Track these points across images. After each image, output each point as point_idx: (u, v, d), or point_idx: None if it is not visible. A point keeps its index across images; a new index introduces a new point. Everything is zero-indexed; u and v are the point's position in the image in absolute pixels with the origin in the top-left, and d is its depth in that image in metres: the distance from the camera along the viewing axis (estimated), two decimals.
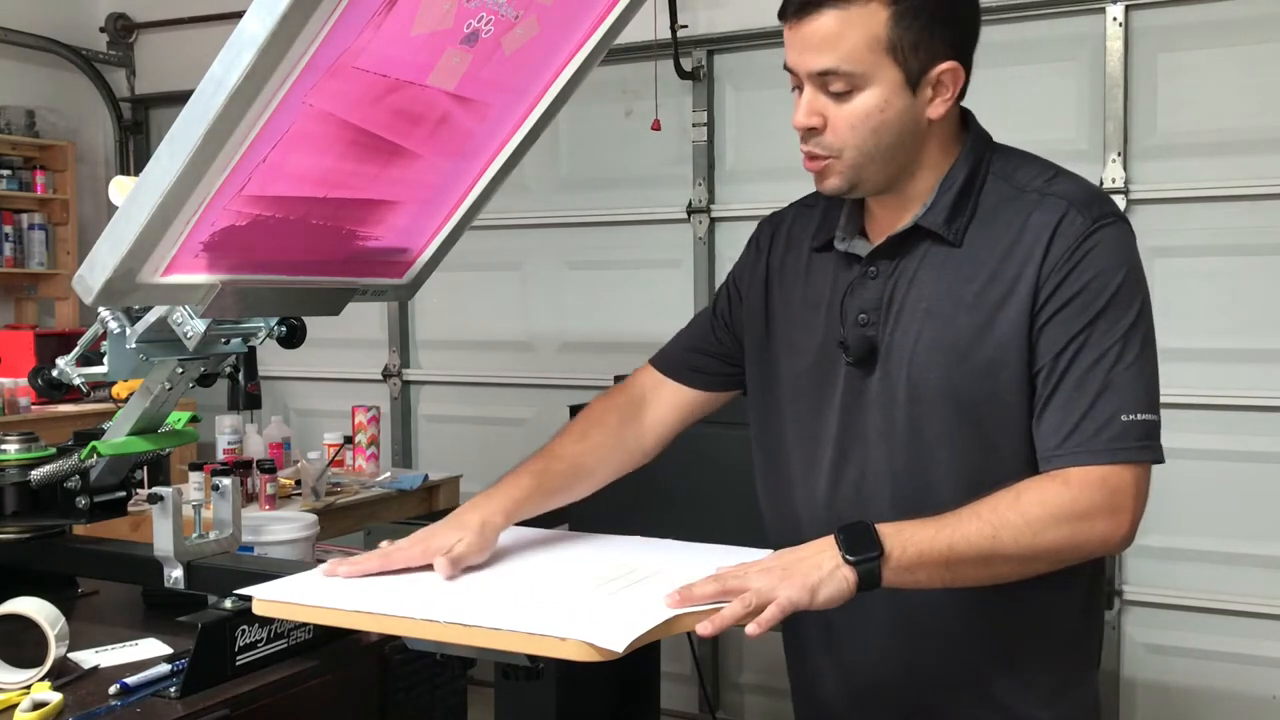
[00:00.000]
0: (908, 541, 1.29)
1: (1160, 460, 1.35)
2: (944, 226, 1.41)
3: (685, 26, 3.96)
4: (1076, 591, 1.47)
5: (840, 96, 1.36)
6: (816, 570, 1.28)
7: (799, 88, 1.40)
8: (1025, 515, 1.29)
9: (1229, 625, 3.47)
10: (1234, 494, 3.44)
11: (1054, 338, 1.34)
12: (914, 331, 1.40)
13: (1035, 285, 1.35)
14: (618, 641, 1.20)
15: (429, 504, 3.83)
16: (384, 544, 1.51)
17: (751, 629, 1.27)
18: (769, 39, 3.98)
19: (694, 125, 4.10)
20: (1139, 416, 1.32)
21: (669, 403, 1.70)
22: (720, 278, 4.10)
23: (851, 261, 1.48)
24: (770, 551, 1.56)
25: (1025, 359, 1.36)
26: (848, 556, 1.27)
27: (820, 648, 1.55)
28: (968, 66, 1.40)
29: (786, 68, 1.40)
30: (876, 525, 1.29)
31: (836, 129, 1.38)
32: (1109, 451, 1.31)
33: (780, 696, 3.91)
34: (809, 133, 1.40)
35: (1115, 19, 3.51)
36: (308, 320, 1.81)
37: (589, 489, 1.68)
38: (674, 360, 1.73)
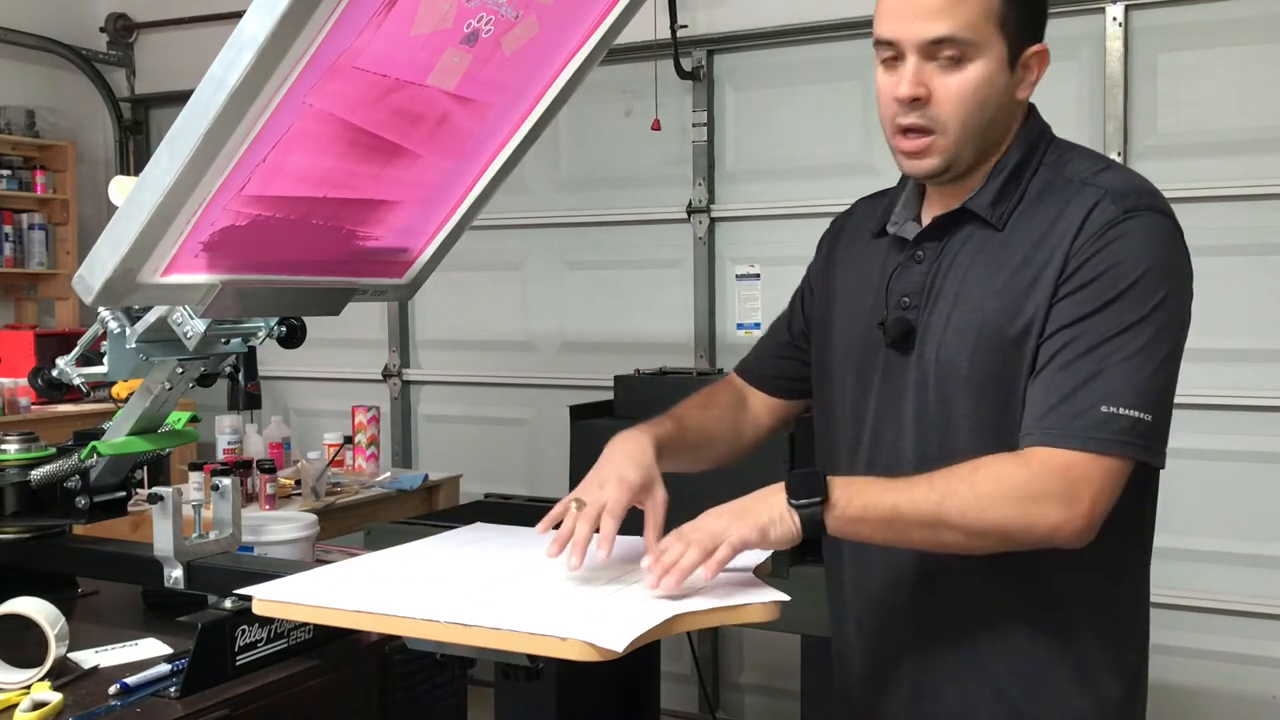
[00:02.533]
0: (854, 494, 1.31)
1: (1150, 462, 1.32)
2: (989, 209, 1.40)
3: (685, 26, 3.96)
4: (1126, 583, 1.44)
5: (949, 67, 1.34)
6: (767, 512, 1.32)
7: (889, 60, 1.38)
8: (975, 489, 1.29)
9: (1229, 625, 3.47)
10: (1232, 494, 3.45)
11: (1059, 318, 1.33)
12: (946, 315, 1.40)
13: (1059, 272, 1.33)
14: (618, 641, 1.20)
15: (429, 504, 3.83)
16: (580, 498, 1.49)
17: (705, 573, 1.31)
18: (769, 39, 3.98)
19: (694, 125, 4.10)
20: (1124, 411, 1.28)
21: (761, 407, 1.71)
22: (720, 278, 4.13)
23: (901, 245, 1.48)
24: (767, 553, 1.57)
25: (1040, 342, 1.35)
26: (792, 501, 1.31)
27: (845, 610, 1.57)
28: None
29: (881, 40, 1.37)
30: (828, 475, 1.33)
31: (942, 101, 1.35)
32: (1079, 438, 1.28)
33: (780, 696, 3.91)
34: (915, 104, 1.36)
35: (1115, 19, 3.51)
36: (308, 320, 1.81)
37: (712, 458, 1.67)
38: (755, 369, 1.73)
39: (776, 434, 1.74)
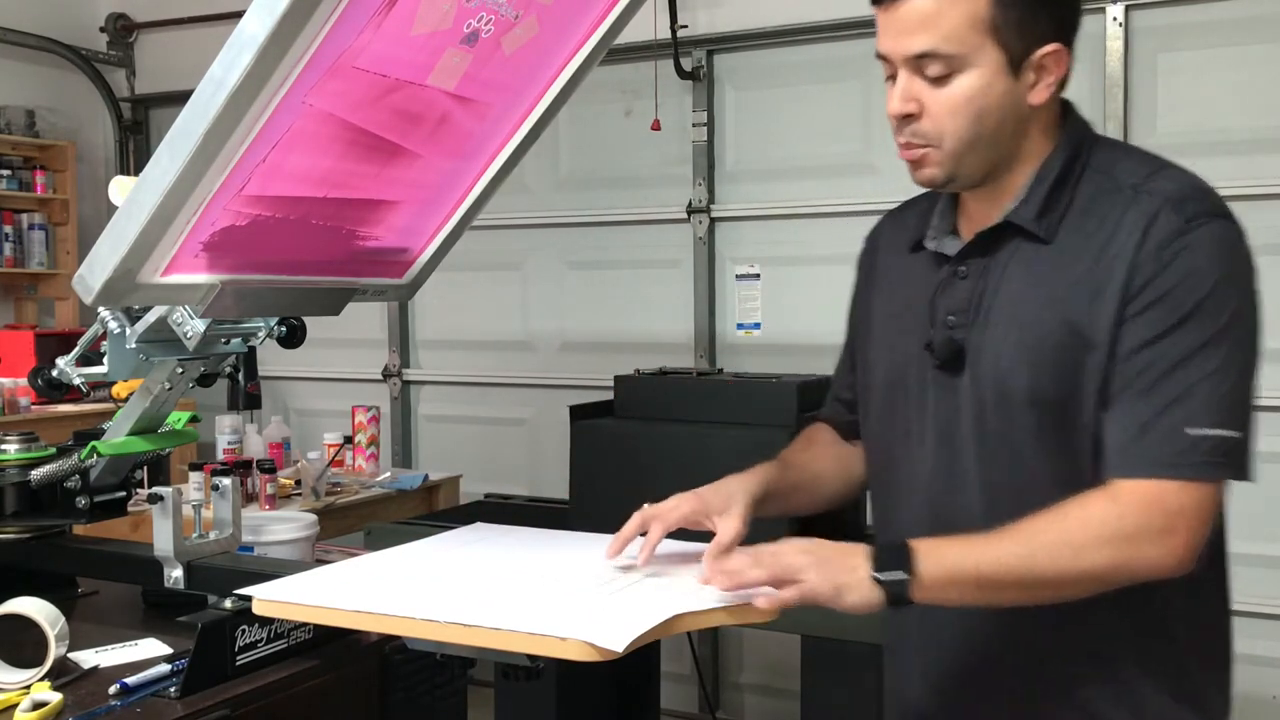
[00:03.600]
0: (939, 562, 1.24)
1: (1241, 477, 1.26)
2: (1034, 222, 1.33)
3: (685, 26, 3.96)
4: (1217, 595, 1.38)
5: (938, 81, 1.30)
6: (848, 573, 1.25)
7: (892, 77, 1.34)
8: (1066, 537, 1.23)
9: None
10: (1233, 493, 3.44)
11: (1131, 340, 1.26)
12: (1001, 333, 1.33)
13: (1124, 288, 1.26)
14: (618, 641, 1.20)
15: (429, 504, 3.83)
16: (646, 506, 1.48)
17: (762, 601, 1.27)
18: (769, 39, 3.98)
19: (694, 125, 4.10)
20: (1211, 431, 1.23)
21: (858, 446, 1.62)
22: (720, 278, 4.13)
23: (941, 261, 1.41)
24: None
25: (1107, 370, 1.28)
26: (876, 574, 1.24)
27: (911, 647, 1.50)
28: (1071, 50, 1.33)
29: (879, 55, 1.34)
30: (912, 542, 1.25)
31: (935, 115, 1.31)
32: (1168, 466, 1.23)
33: (780, 696, 3.91)
34: (904, 121, 1.33)
35: (1115, 19, 3.51)
36: (308, 320, 1.81)
37: (822, 496, 1.63)
38: (832, 416, 1.67)
39: None
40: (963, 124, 1.31)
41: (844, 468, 1.63)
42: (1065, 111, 1.38)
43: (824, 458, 1.64)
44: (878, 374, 1.48)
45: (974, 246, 1.38)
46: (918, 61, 1.30)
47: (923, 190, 1.46)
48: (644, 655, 2.22)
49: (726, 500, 1.46)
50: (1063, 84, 1.34)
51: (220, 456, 3.82)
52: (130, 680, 1.42)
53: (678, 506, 1.46)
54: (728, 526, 1.44)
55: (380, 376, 4.78)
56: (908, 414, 1.43)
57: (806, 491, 1.60)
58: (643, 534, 1.46)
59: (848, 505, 1.67)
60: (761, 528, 1.47)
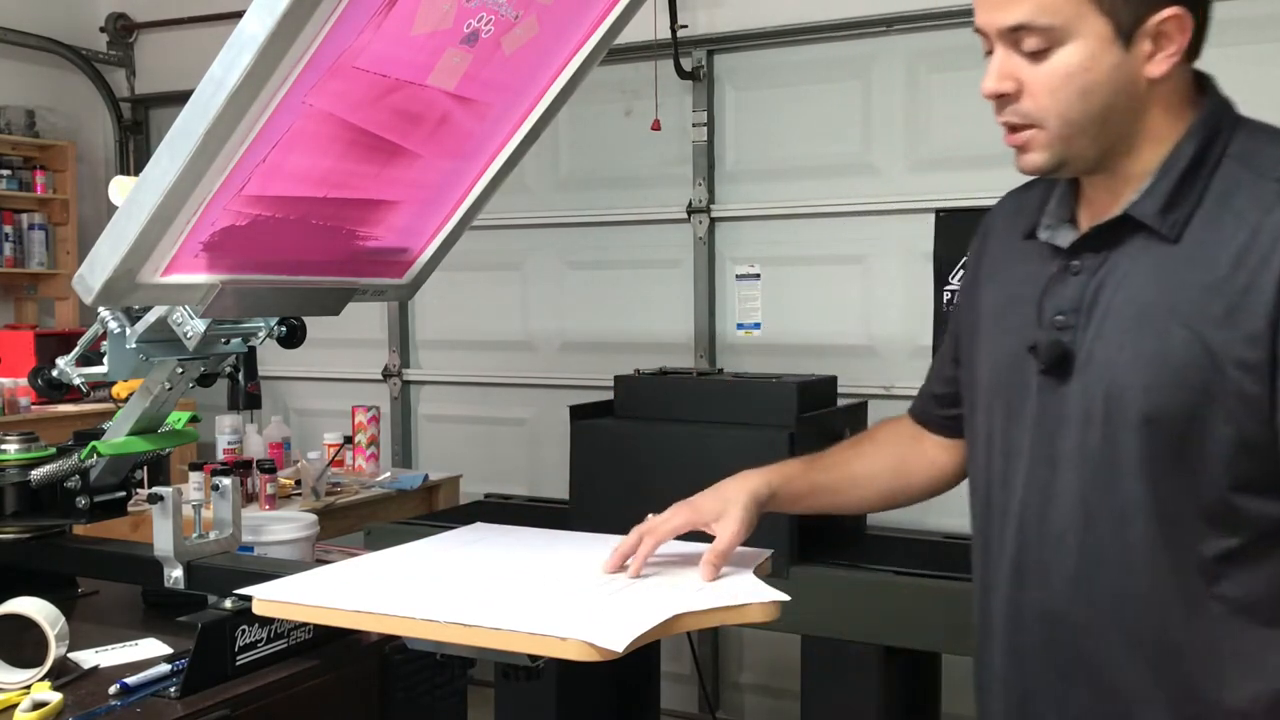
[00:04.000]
0: None
1: None
2: (1158, 218, 1.19)
3: (685, 26, 3.96)
4: None
5: (1036, 56, 1.17)
6: None
7: (990, 53, 1.22)
8: None
9: None
10: None
11: None
12: (1117, 342, 1.19)
13: (1275, 300, 1.11)
14: (618, 641, 1.20)
15: (429, 504, 3.83)
16: (650, 516, 1.47)
17: None
18: (769, 39, 3.98)
19: (694, 125, 4.10)
20: None
21: (937, 447, 1.54)
22: (720, 278, 4.12)
23: (1055, 253, 1.27)
24: (767, 553, 1.57)
25: (1258, 390, 1.13)
26: None
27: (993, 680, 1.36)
28: (1199, 15, 1.18)
29: (976, 30, 1.22)
30: None
31: (1035, 94, 1.18)
32: None
33: (780, 696, 3.91)
34: (1001, 100, 1.21)
35: None
36: (308, 320, 1.81)
37: (858, 500, 1.57)
38: (919, 407, 1.56)
39: (956, 478, 1.53)
40: (1066, 103, 1.18)
41: (900, 471, 1.55)
42: (1201, 88, 1.23)
43: (877, 458, 1.56)
44: (981, 373, 1.36)
45: (1089, 240, 1.24)
46: (1013, 35, 1.18)
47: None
48: (644, 655, 2.22)
49: (722, 505, 1.46)
50: (1193, 55, 1.20)
51: (220, 456, 3.82)
52: (130, 680, 1.41)
53: (670, 519, 1.46)
54: (724, 531, 1.43)
55: (380, 376, 4.78)
56: (1007, 421, 1.31)
57: (836, 493, 1.54)
58: None
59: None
60: (760, 527, 1.48)
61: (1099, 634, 1.22)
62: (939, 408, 1.52)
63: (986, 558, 1.34)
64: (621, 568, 1.47)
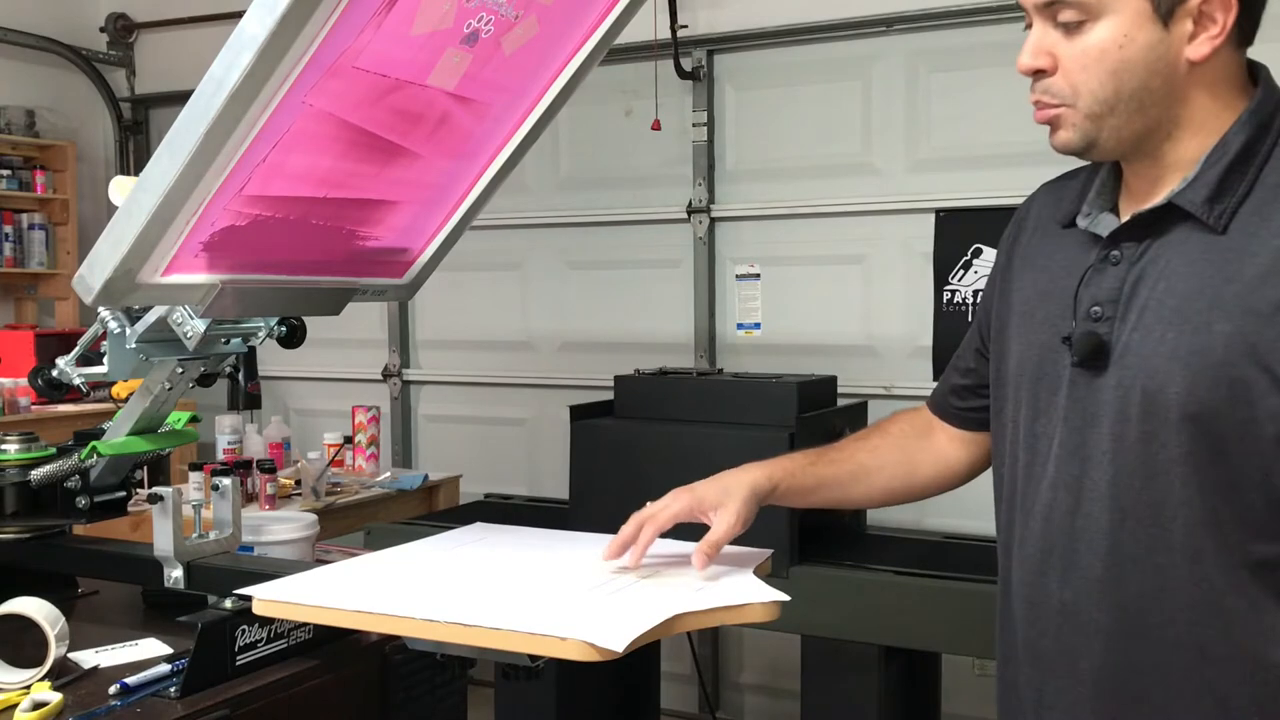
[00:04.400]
0: None
1: None
2: (1203, 207, 1.15)
3: (685, 26, 3.96)
4: None
5: (1071, 30, 1.15)
6: None
7: (1029, 27, 1.20)
8: None
9: None
10: None
11: None
12: (1157, 334, 1.15)
13: None
14: (618, 641, 1.20)
15: (429, 504, 3.83)
16: (649, 504, 1.46)
17: None
18: (769, 39, 3.98)
19: (694, 125, 4.10)
20: None
21: (950, 440, 1.52)
22: (720, 278, 4.13)
23: (1094, 242, 1.24)
24: (767, 553, 1.57)
25: None
26: None
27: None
28: None
29: (1018, 4, 1.21)
30: None
31: (1068, 70, 1.16)
32: None
33: (780, 696, 3.91)
34: (1037, 76, 1.18)
35: None
36: (308, 320, 1.81)
37: (866, 493, 1.54)
38: (937, 397, 1.53)
39: (978, 471, 1.50)
40: (1098, 80, 1.15)
41: (908, 465, 1.53)
42: (1255, 78, 1.20)
43: (885, 450, 1.53)
44: (1009, 365, 1.32)
45: (1131, 228, 1.20)
46: (1049, 9, 1.16)
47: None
48: (644, 655, 2.22)
49: (722, 495, 1.44)
50: (1245, 41, 1.17)
51: (220, 456, 3.82)
52: (130, 680, 1.41)
53: (670, 505, 1.45)
54: (721, 522, 1.42)
55: (380, 376, 4.78)
56: (1035, 414, 1.27)
57: (841, 485, 1.52)
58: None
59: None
60: (758, 522, 1.47)
61: (1123, 635, 1.19)
62: (956, 399, 1.49)
63: (1008, 554, 1.32)
64: (620, 557, 1.47)
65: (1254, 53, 1.21)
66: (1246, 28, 1.16)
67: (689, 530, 1.47)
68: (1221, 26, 1.13)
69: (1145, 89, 1.15)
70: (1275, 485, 1.12)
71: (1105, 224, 1.24)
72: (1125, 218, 1.23)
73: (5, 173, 4.84)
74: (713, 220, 4.10)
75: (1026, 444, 1.28)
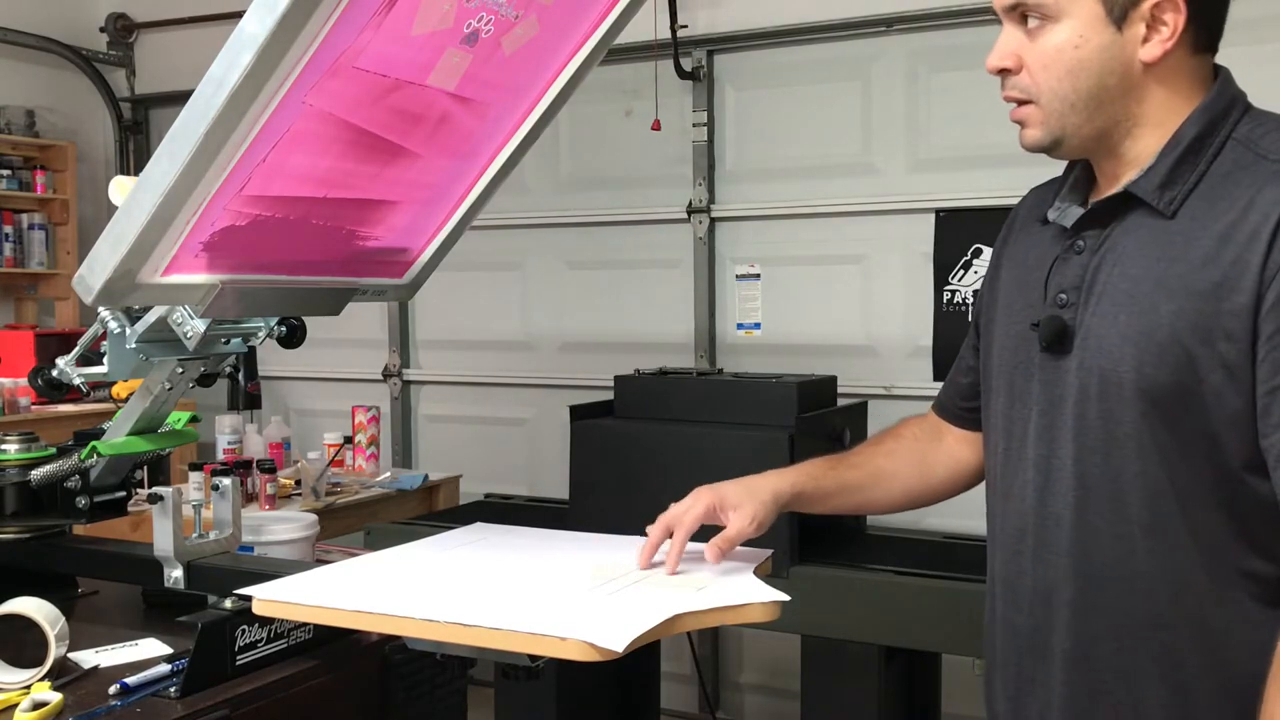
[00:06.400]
0: None
1: None
2: (1155, 193, 1.21)
3: (685, 26, 3.96)
4: None
5: (1034, 33, 1.23)
6: None
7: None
8: None
9: None
10: None
11: (1271, 347, 1.13)
12: (1111, 316, 1.22)
13: (1259, 273, 1.13)
14: (618, 641, 1.20)
15: (429, 504, 3.83)
16: (673, 505, 1.48)
17: None
18: (769, 39, 3.98)
19: (694, 125, 4.10)
20: None
21: (959, 442, 1.55)
22: (720, 278, 4.13)
23: (1062, 234, 1.31)
24: (767, 552, 1.57)
25: (1241, 364, 1.14)
26: None
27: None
28: (1194, 2, 1.19)
29: (993, 9, 1.29)
30: None
31: (1031, 69, 1.24)
32: None
33: (780, 696, 3.91)
34: (1003, 76, 1.27)
35: None
36: (308, 320, 1.81)
37: (885, 497, 1.57)
38: (943, 400, 1.58)
39: (977, 475, 1.53)
40: (1056, 78, 1.22)
41: (923, 467, 1.56)
42: (1215, 77, 1.26)
43: (900, 454, 1.57)
44: (992, 358, 1.39)
45: (1091, 218, 1.27)
46: (1014, 11, 1.24)
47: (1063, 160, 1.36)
48: (644, 655, 2.22)
49: (743, 495, 1.46)
50: (1204, 46, 1.23)
51: (220, 456, 3.82)
52: (130, 680, 1.41)
53: (693, 507, 1.47)
54: (737, 521, 1.44)
55: (380, 376, 4.78)
56: (1012, 401, 1.33)
57: (862, 490, 1.55)
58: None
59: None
60: None
61: (1088, 609, 1.24)
62: (960, 399, 1.53)
63: (992, 539, 1.37)
64: (634, 558, 1.47)
65: (1256, 53, 1.23)
66: (1202, 33, 1.22)
67: (699, 530, 1.48)
68: (1173, 29, 1.19)
69: (1101, 87, 1.22)
70: (1224, 457, 1.17)
71: (1071, 216, 1.30)
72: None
73: (5, 173, 4.84)
74: (713, 220, 4.10)
75: (1005, 430, 1.34)
